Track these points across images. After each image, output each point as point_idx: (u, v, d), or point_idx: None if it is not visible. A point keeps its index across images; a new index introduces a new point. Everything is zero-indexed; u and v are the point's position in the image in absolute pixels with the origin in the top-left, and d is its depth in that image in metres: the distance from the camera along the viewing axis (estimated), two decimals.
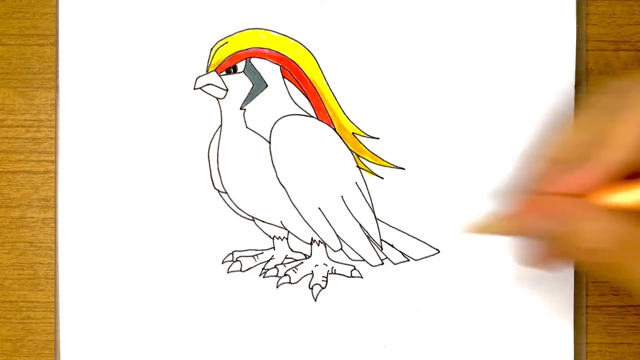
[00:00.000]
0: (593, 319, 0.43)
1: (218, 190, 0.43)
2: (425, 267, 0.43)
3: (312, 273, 0.43)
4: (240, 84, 0.43)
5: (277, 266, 0.43)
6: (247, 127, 0.43)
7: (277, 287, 0.43)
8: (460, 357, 0.42)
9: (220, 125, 0.43)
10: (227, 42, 0.42)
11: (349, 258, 0.43)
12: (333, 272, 0.43)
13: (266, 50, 0.42)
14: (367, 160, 0.43)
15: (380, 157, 0.43)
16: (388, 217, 0.43)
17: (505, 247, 0.43)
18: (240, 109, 0.43)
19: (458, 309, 0.43)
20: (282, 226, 0.43)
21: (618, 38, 0.44)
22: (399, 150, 0.43)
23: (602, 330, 0.43)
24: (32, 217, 0.43)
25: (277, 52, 0.42)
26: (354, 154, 0.43)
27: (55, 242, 0.43)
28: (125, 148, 0.43)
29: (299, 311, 0.43)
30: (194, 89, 0.43)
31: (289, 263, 0.43)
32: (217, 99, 0.43)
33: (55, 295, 0.43)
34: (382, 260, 0.43)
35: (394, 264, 0.43)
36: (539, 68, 0.43)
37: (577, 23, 0.43)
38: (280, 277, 0.43)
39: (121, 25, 0.43)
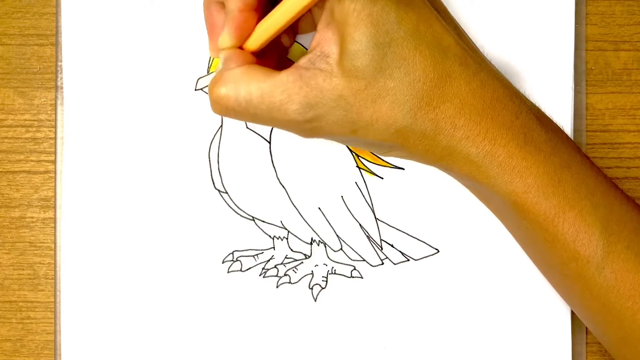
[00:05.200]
0: None
1: (218, 190, 0.43)
2: (425, 267, 0.43)
3: (312, 273, 0.43)
4: None
5: (277, 266, 0.43)
6: (247, 127, 0.43)
7: (277, 287, 0.43)
8: (460, 357, 0.43)
9: (221, 126, 0.43)
10: None
11: (349, 258, 0.43)
12: (333, 272, 0.43)
13: None
14: (367, 160, 0.43)
15: (380, 157, 0.43)
16: (388, 217, 0.43)
17: (505, 247, 0.43)
18: None
19: (458, 308, 0.43)
20: (282, 226, 0.43)
21: (618, 38, 0.44)
22: None
23: None
24: (32, 217, 0.43)
25: None
26: (354, 154, 0.43)
27: (55, 242, 0.43)
28: (126, 148, 0.42)
29: (299, 311, 0.43)
30: (195, 90, 0.43)
31: (289, 263, 0.43)
32: None
33: (55, 295, 0.43)
34: (382, 260, 0.43)
35: (394, 264, 0.43)
36: (537, 68, 0.43)
37: (577, 23, 0.43)
38: (280, 277, 0.43)
39: (122, 25, 0.43)
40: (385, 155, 0.40)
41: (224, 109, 0.35)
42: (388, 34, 0.33)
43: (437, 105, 0.34)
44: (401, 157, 0.37)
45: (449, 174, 0.37)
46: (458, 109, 0.34)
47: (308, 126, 0.34)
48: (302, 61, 0.34)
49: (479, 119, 0.34)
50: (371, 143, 0.35)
